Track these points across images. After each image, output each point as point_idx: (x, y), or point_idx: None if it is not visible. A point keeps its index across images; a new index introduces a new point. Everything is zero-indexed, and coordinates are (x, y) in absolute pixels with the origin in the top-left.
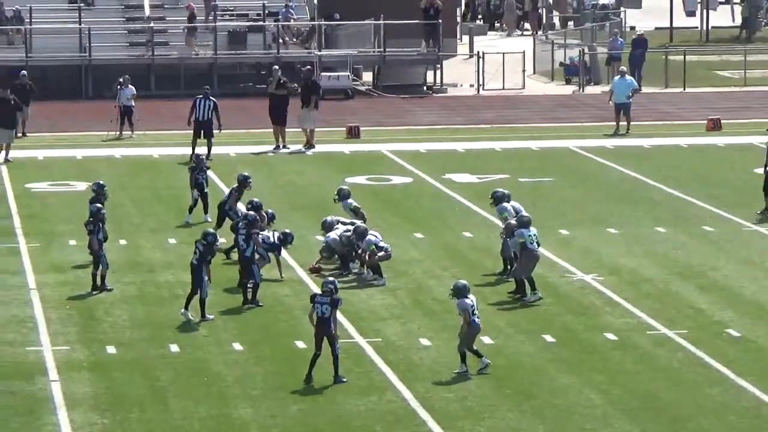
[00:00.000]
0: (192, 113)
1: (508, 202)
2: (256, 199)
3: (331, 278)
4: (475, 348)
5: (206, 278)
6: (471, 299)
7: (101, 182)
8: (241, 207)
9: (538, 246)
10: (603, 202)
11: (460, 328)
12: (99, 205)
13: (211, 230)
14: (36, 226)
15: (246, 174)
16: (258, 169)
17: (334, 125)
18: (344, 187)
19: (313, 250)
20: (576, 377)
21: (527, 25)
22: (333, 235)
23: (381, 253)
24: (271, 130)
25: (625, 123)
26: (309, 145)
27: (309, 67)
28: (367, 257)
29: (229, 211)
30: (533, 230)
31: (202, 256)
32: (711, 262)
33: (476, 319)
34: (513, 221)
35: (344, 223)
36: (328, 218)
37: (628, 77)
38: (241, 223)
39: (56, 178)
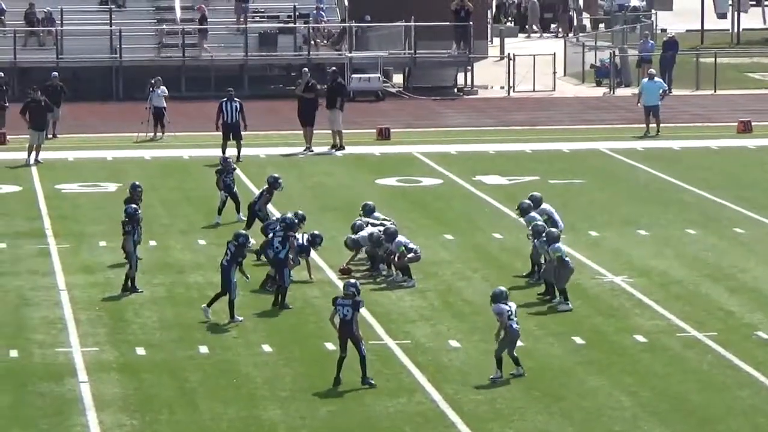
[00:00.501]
0: (219, 117)
1: (538, 206)
2: (301, 212)
3: (352, 280)
4: (515, 355)
5: (238, 278)
6: (509, 305)
7: (137, 183)
8: (272, 209)
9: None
10: (633, 203)
11: (497, 333)
12: (135, 206)
13: (243, 231)
14: (66, 227)
15: (276, 175)
16: (288, 171)
17: (365, 127)
18: (369, 202)
19: (343, 252)
20: (605, 379)
21: (558, 27)
22: (364, 233)
23: (410, 255)
24: (301, 132)
25: (655, 125)
26: (335, 146)
27: (335, 68)
28: (396, 258)
29: (258, 212)
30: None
31: (233, 257)
32: (741, 264)
33: (514, 325)
34: (546, 227)
35: (374, 225)
36: (358, 221)
37: (657, 79)
38: (278, 226)
39: (86, 179)
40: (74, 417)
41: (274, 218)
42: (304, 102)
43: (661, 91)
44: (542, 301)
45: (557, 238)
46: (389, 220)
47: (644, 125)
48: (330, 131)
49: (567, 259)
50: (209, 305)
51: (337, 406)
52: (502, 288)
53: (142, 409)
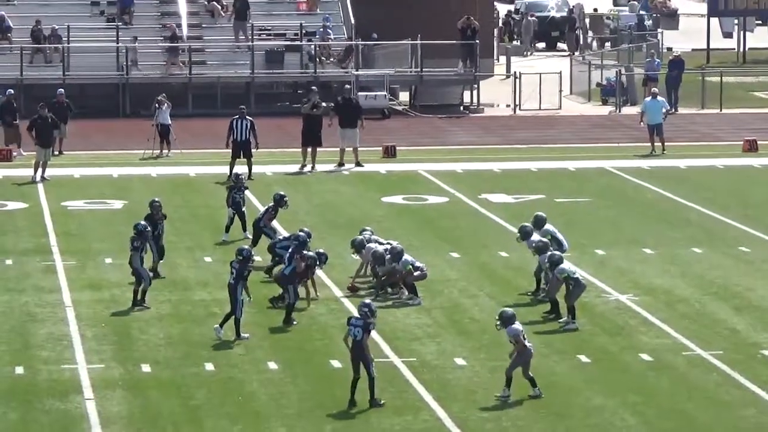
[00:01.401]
0: (230, 134)
1: (542, 227)
2: (306, 229)
3: (368, 300)
4: (531, 375)
5: (243, 297)
6: (519, 325)
7: (155, 199)
8: (277, 226)
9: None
10: (639, 222)
11: (512, 353)
12: (144, 223)
13: (246, 246)
14: (72, 244)
15: (282, 193)
16: (295, 188)
17: (371, 144)
18: (358, 237)
19: (349, 269)
20: (611, 398)
21: (564, 46)
22: (371, 245)
23: (417, 273)
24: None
25: (660, 143)
26: (342, 164)
27: (349, 86)
28: (404, 276)
29: (264, 228)
30: (567, 265)
31: (238, 274)
32: (747, 283)
33: (528, 344)
34: (556, 253)
35: (381, 243)
36: (358, 237)
37: (660, 98)
38: (292, 244)
39: (92, 197)
40: None
41: (283, 236)
42: (310, 120)
43: (664, 109)
44: (547, 320)
45: (559, 260)
46: (387, 243)
47: (649, 144)
48: (339, 149)
49: (577, 276)
50: (221, 325)
51: (343, 424)
52: (510, 309)
53: (147, 426)
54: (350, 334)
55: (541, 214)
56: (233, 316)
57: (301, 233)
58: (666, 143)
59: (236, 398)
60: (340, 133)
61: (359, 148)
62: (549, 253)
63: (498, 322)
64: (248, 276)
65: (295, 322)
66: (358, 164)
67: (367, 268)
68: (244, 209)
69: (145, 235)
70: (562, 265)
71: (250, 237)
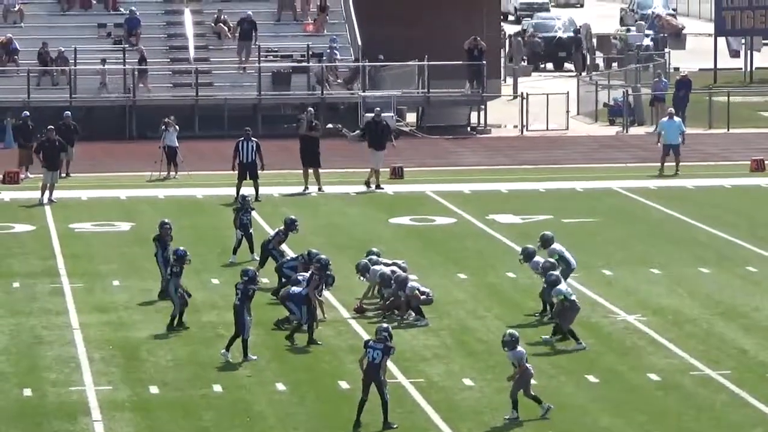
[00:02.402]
0: (236, 157)
1: (549, 246)
2: (315, 250)
3: (385, 325)
4: (533, 394)
5: (248, 318)
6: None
7: (165, 220)
8: (285, 248)
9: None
10: (646, 242)
11: (512, 377)
12: (183, 249)
13: (251, 267)
14: (79, 266)
15: (293, 217)
16: (302, 209)
17: None
18: (362, 260)
19: (356, 291)
20: (619, 417)
21: (571, 66)
22: (376, 268)
23: (423, 297)
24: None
25: (674, 164)
26: (377, 185)
27: (379, 108)
28: (409, 300)
29: (272, 250)
30: (564, 286)
31: (243, 295)
32: (755, 303)
33: (528, 365)
34: (554, 273)
35: (387, 264)
36: (362, 260)
37: (677, 119)
38: (299, 264)
39: (100, 219)
40: None
41: (290, 257)
42: (307, 142)
43: (680, 132)
44: (557, 339)
45: (556, 281)
46: (389, 268)
47: (659, 164)
48: (370, 169)
49: (573, 298)
50: (227, 348)
51: None
52: (513, 332)
53: None
54: (367, 356)
55: (548, 233)
56: (239, 338)
57: (323, 256)
58: (680, 164)
59: (245, 420)
60: (369, 154)
61: (357, 170)
62: (547, 273)
63: (505, 346)
64: (252, 297)
65: (319, 343)
66: (378, 186)
67: (375, 290)
68: (251, 231)
69: (184, 260)
70: (558, 287)
71: (258, 259)
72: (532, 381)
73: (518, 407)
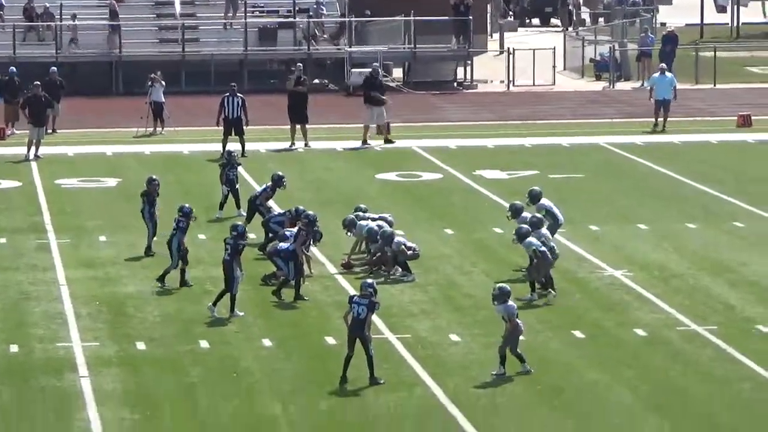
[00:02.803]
0: (221, 112)
1: (537, 201)
2: (301, 207)
3: (370, 280)
4: (519, 352)
5: (239, 271)
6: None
7: (153, 176)
8: (272, 204)
9: (553, 249)
10: (633, 198)
11: (504, 330)
12: (189, 206)
13: (240, 223)
14: (66, 222)
15: (281, 174)
16: (288, 165)
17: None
18: (348, 216)
19: (343, 246)
20: (605, 373)
21: (557, 21)
22: (363, 223)
23: (409, 252)
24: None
25: (662, 119)
26: (388, 139)
27: (377, 64)
28: (395, 255)
29: (260, 206)
30: (544, 231)
31: (233, 250)
32: (741, 258)
33: (519, 321)
34: (524, 226)
35: (373, 219)
36: (348, 216)
37: (668, 74)
38: (286, 219)
39: (86, 175)
40: (75, 412)
41: (277, 212)
42: (295, 97)
43: (672, 86)
44: (541, 296)
45: (526, 233)
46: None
47: (653, 119)
48: (363, 126)
49: (543, 249)
50: (215, 304)
51: (337, 400)
52: (504, 285)
53: (142, 403)
54: (352, 312)
55: (536, 189)
56: (227, 293)
57: (311, 212)
58: (668, 120)
59: (231, 375)
60: (365, 110)
61: (345, 125)
62: (518, 226)
63: (495, 302)
64: (242, 252)
65: (306, 299)
66: (387, 141)
67: (362, 245)
68: (237, 186)
69: (191, 216)
70: (529, 239)
71: (245, 214)
72: (521, 337)
73: (506, 363)
